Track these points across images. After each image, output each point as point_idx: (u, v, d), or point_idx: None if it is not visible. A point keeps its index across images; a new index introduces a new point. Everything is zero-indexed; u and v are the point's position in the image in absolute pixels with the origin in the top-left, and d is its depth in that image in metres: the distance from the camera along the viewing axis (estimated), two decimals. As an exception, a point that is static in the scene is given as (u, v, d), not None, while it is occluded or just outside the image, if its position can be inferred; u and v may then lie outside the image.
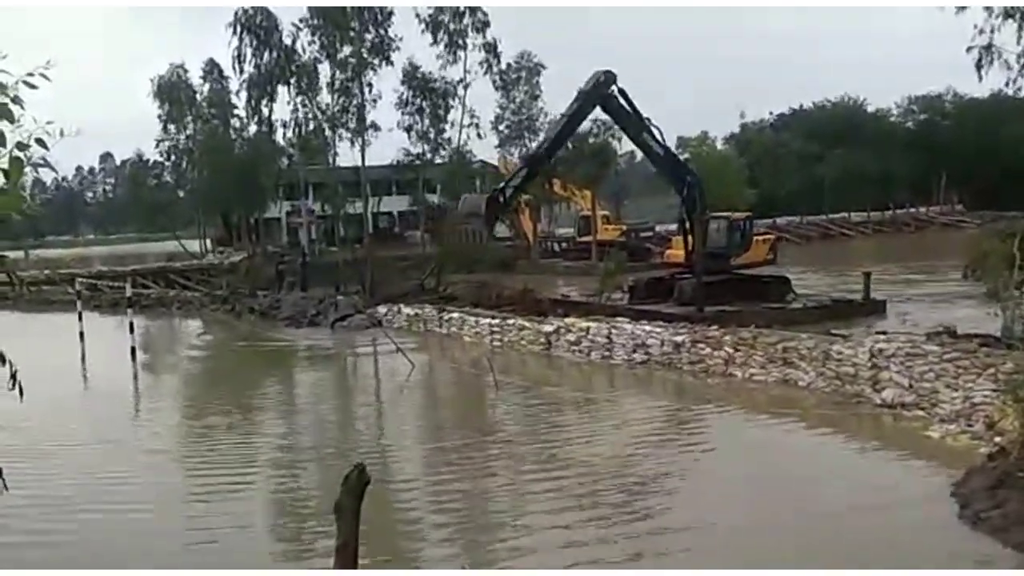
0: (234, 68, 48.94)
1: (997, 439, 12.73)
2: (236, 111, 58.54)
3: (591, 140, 54.80)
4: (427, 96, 45.42)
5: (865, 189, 78.84)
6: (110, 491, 13.03)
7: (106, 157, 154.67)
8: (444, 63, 43.80)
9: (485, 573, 9.61)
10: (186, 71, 61.82)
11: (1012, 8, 21.35)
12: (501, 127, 59.35)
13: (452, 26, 42.97)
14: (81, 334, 26.45)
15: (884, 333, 19.99)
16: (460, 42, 43.05)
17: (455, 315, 28.60)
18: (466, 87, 44.26)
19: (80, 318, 26.91)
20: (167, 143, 63.85)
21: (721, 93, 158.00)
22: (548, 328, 24.35)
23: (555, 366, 22.85)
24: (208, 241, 68.59)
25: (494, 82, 48.78)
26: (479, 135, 47.57)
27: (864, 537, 10.29)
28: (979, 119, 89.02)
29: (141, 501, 12.51)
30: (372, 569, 9.48)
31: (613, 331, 22.64)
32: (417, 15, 42.76)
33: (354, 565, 5.79)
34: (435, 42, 43.08)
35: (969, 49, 23.09)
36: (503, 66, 48.40)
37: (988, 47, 22.71)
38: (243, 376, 24.99)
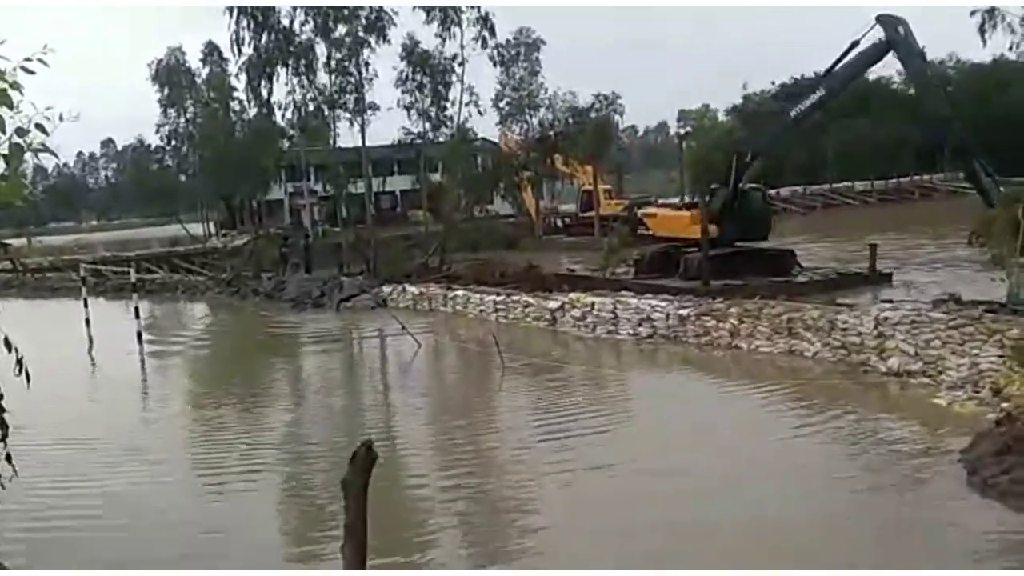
0: (233, 51, 48.76)
1: (1004, 405, 12.76)
2: (236, 94, 58.44)
3: (592, 115, 54.66)
4: (427, 72, 45.28)
5: (869, 158, 78.45)
6: (119, 475, 13.09)
7: (108, 143, 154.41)
8: (441, 40, 43.66)
9: (485, 573, 9.62)
10: (184, 54, 61.74)
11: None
12: (501, 104, 59.18)
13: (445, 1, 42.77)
14: (87, 320, 26.50)
15: (890, 302, 20.01)
16: (454, 17, 42.85)
17: (460, 293, 28.60)
18: (463, 63, 44.10)
19: (85, 304, 26.94)
20: (167, 127, 63.90)
21: (723, 64, 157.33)
22: (553, 304, 24.34)
23: (560, 342, 22.86)
24: (211, 225, 68.60)
25: (491, 58, 48.61)
26: (480, 112, 47.47)
27: (874, 504, 10.31)
28: (981, 85, 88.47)
29: (152, 490, 12.54)
30: (381, 569, 9.57)
31: (618, 306, 22.64)
32: None
33: (363, 543, 5.80)
34: (428, 20, 42.91)
35: (973, 13, 22.85)
36: (501, 42, 48.21)
37: (991, 11, 22.49)
38: (249, 359, 25.05)
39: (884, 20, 27.17)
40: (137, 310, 26.04)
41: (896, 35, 27.28)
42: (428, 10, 42.70)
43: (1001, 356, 14.10)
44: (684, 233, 28.71)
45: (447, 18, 43.24)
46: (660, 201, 45.70)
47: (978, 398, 13.87)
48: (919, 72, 28.48)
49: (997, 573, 8.59)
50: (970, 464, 11.05)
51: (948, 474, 10.98)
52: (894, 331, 16.64)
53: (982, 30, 22.23)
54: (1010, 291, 18.71)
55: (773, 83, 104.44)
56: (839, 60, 28.05)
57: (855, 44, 27.29)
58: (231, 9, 45.73)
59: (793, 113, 29.37)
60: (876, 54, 27.83)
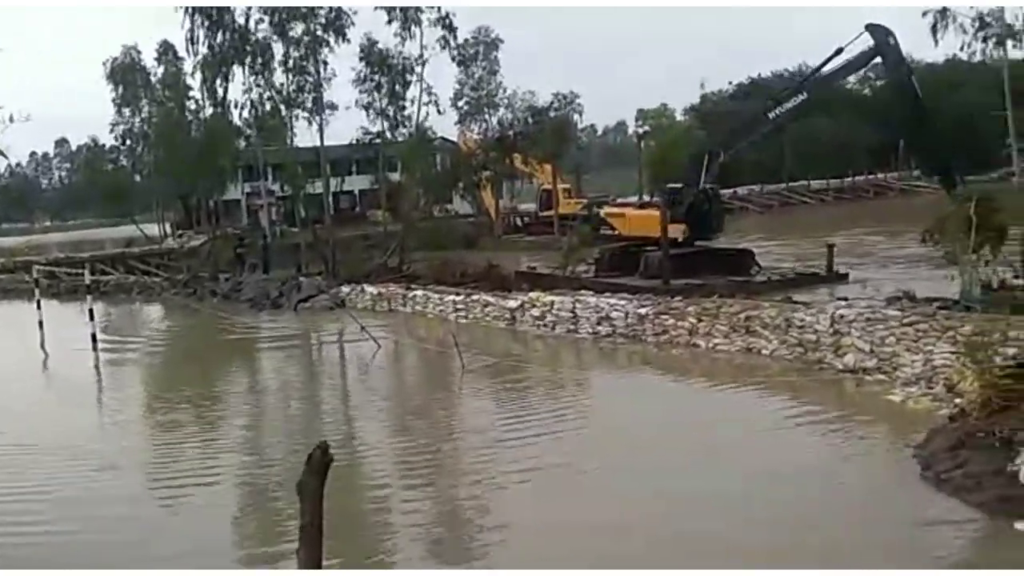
0: (187, 49, 48.30)
1: (957, 401, 12.92)
2: (191, 92, 57.86)
3: (552, 114, 54.74)
4: (385, 72, 45.10)
5: (825, 157, 79.29)
6: (70, 481, 12.89)
7: (62, 142, 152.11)
8: (401, 40, 43.49)
9: (485, 573, 9.59)
10: (139, 53, 61.04)
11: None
12: (460, 103, 59.10)
13: (405, 2, 42.60)
14: (40, 322, 26.09)
15: (845, 299, 20.19)
16: (415, 17, 42.69)
17: (419, 293, 28.51)
18: (423, 63, 43.99)
19: (38, 306, 26.52)
20: (122, 127, 63.16)
21: (681, 66, 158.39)
22: (512, 303, 24.34)
23: (520, 341, 22.86)
24: (167, 225, 67.83)
25: (453, 57, 48.52)
26: (439, 111, 47.35)
27: (829, 500, 10.40)
28: (935, 85, 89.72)
29: (106, 494, 12.37)
30: (382, 569, 9.52)
31: (577, 305, 22.67)
32: None
33: (319, 545, 5.76)
34: (390, 20, 42.73)
35: (925, 13, 23.19)
36: (460, 41, 48.10)
37: (943, 11, 22.83)
38: (206, 361, 24.76)
39: (874, 29, 27.53)
40: (91, 312, 25.64)
41: (886, 44, 27.70)
42: (389, 10, 42.50)
43: (954, 353, 14.27)
44: (655, 233, 28.22)
45: (407, 18, 43.06)
46: (619, 200, 45.89)
47: (932, 394, 14.04)
48: (903, 81, 29.11)
49: (996, 573, 8.69)
50: (924, 459, 11.18)
51: (902, 469, 11.10)
52: (850, 328, 16.81)
53: (934, 30, 22.82)
54: (963, 288, 18.96)
55: (730, 83, 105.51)
56: (822, 65, 28.50)
57: (840, 50, 27.65)
58: (186, 8, 45.32)
59: (772, 115, 29.45)
60: (863, 61, 28.44)
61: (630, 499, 10.77)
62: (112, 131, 64.22)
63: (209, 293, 36.90)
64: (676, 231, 28.46)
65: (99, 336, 24.59)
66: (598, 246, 31.55)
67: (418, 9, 42.77)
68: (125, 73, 61.02)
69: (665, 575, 8.52)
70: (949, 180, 27.47)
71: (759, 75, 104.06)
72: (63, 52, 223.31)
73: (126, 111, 62.44)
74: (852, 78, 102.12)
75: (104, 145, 70.26)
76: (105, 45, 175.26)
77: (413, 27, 43.15)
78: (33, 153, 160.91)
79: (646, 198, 49.40)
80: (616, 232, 30.83)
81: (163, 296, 39.14)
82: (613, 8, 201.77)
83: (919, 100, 28.20)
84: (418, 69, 44.26)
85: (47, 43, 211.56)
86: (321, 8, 41.17)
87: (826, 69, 28.76)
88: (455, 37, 45.95)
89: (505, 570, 9.35)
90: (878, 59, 28.22)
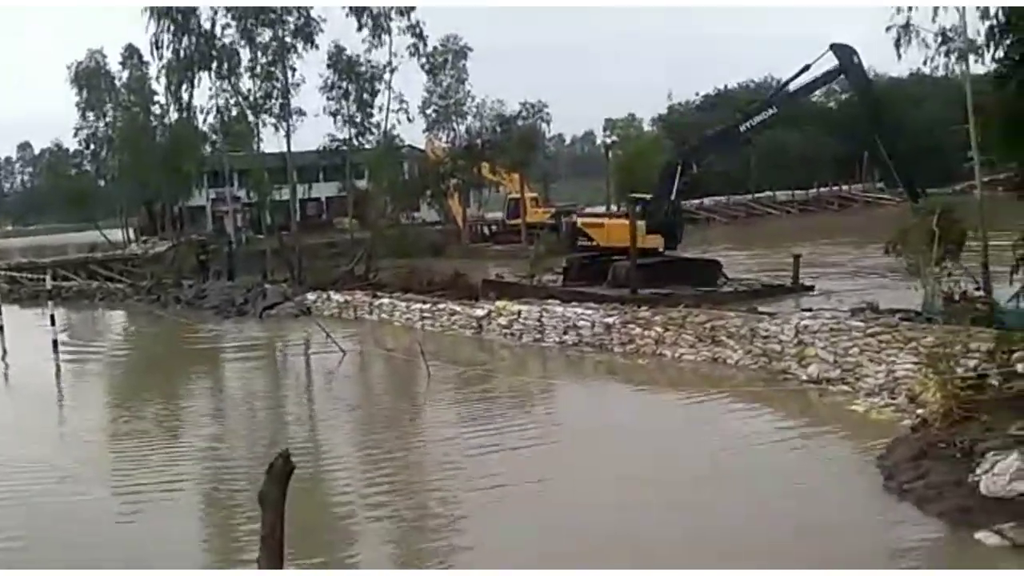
0: (152, 53, 47.77)
1: (919, 411, 13.05)
2: (156, 97, 57.31)
3: (519, 123, 54.72)
4: (353, 79, 44.87)
5: (790, 169, 79.93)
6: (32, 490, 12.68)
7: (24, 146, 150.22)
8: (370, 47, 43.27)
9: (484, 573, 9.53)
10: (104, 57, 60.40)
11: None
12: (428, 111, 58.95)
13: (376, 9, 42.38)
14: (0, 328, 25.72)
15: (809, 310, 20.33)
16: (385, 25, 42.51)
17: (386, 301, 28.40)
18: (392, 71, 43.82)
19: (-1, 311, 26.17)
20: (86, 131, 62.44)
21: (648, 77, 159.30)
22: (479, 312, 24.31)
23: (487, 350, 22.83)
24: (131, 231, 67.05)
25: (422, 66, 48.35)
26: (408, 119, 47.16)
27: (790, 509, 10.44)
28: (899, 98, 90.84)
29: (67, 505, 12.17)
30: (389, 570, 9.43)
31: (544, 314, 22.67)
32: None
33: (280, 555, 5.70)
34: (360, 26, 42.54)
35: (888, 28, 23.46)
36: (429, 50, 47.94)
37: (906, 26, 23.11)
38: (169, 369, 24.50)
39: (839, 49, 28.48)
40: (53, 318, 25.31)
41: (851, 63, 28.71)
42: (360, 15, 42.27)
43: (917, 363, 14.39)
44: (639, 243, 28.12)
45: (377, 26, 42.85)
46: (587, 210, 45.91)
47: (894, 405, 14.16)
48: (868, 97, 30.84)
49: (995, 573, 8.75)
50: (886, 469, 11.27)
51: (865, 479, 11.18)
52: (814, 339, 16.94)
53: (897, 45, 22.96)
54: (925, 300, 19.14)
55: (697, 94, 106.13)
56: (790, 81, 29.67)
57: (807, 67, 28.47)
58: (151, 9, 44.82)
59: (743, 128, 30.33)
60: (828, 78, 29.68)
61: (592, 511, 10.76)
62: (76, 135, 63.47)
63: (173, 300, 36.55)
64: (655, 241, 28.97)
65: (61, 342, 24.29)
66: (566, 255, 31.54)
67: (388, 17, 42.57)
68: (90, 77, 60.33)
69: (665, 575, 8.52)
70: (913, 192, 27.97)
71: (725, 86, 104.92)
72: (26, 55, 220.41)
73: (90, 115, 61.71)
74: (818, 91, 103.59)
75: (68, 149, 69.45)
76: (70, 48, 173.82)
77: (383, 35, 42.90)
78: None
79: (614, 208, 49.40)
80: (595, 243, 30.56)
81: (126, 302, 38.72)
82: (581, 18, 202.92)
83: (881, 115, 28.87)
84: (387, 76, 44.02)
85: (9, 46, 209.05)
86: (290, 15, 40.88)
87: (793, 85, 29.63)
88: (425, 45, 45.79)
89: (505, 570, 9.33)
90: (842, 76, 29.22)
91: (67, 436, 16.93)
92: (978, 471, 10.19)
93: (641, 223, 28.71)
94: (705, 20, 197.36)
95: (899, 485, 10.71)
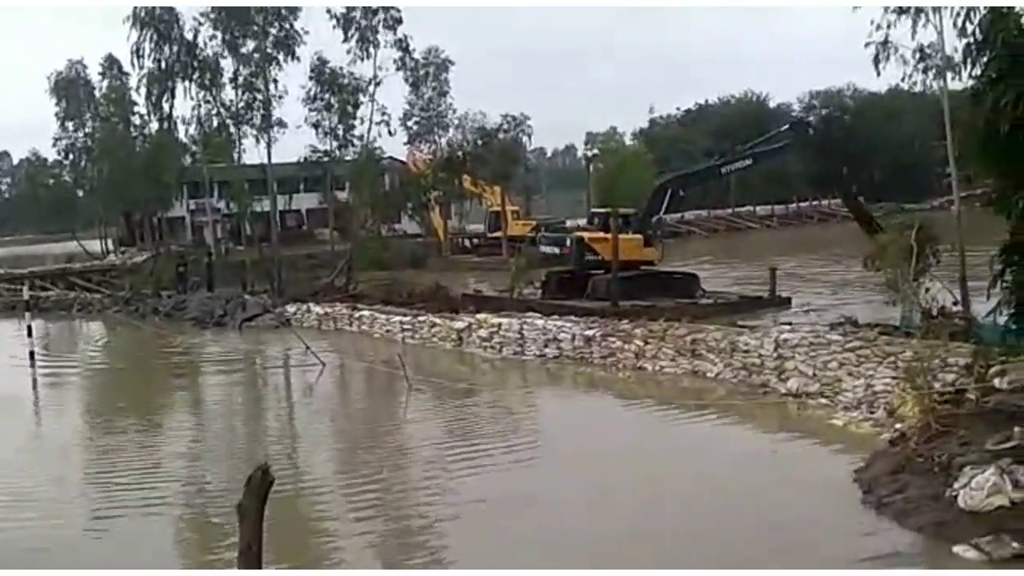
0: (133, 63, 47.54)
1: (898, 425, 13.08)
2: (137, 108, 57.09)
3: (501, 136, 54.80)
4: (336, 92, 44.78)
5: (770, 183, 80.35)
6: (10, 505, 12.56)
7: (2, 156, 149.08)
8: (354, 59, 43.18)
9: (485, 573, 9.49)
10: (85, 67, 60.20)
11: (904, 6, 21.91)
12: (410, 123, 58.99)
13: (363, 22, 42.30)
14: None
15: (789, 324, 20.40)
16: (371, 38, 42.43)
17: (366, 313, 28.34)
18: (377, 84, 43.75)
19: (-26, 323, 25.96)
20: (65, 141, 62.14)
21: (630, 89, 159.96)
22: (460, 324, 24.29)
23: (467, 362, 22.80)
24: (109, 241, 66.69)
25: (407, 79, 48.34)
26: (390, 132, 47.09)
27: (771, 524, 10.45)
28: (878, 114, 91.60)
29: (43, 517, 12.03)
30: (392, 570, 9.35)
31: (525, 326, 22.67)
32: (329, 11, 42.02)
33: (258, 567, 5.66)
34: (347, 38, 42.45)
35: (867, 44, 23.62)
36: (412, 63, 47.88)
37: (885, 42, 23.25)
38: (147, 381, 24.34)
39: (796, 125, 36.64)
40: (30, 329, 25.15)
41: (804, 135, 35.30)
42: (346, 29, 42.16)
43: (895, 378, 14.47)
44: (637, 256, 29.55)
45: (364, 38, 42.76)
46: (568, 223, 46.04)
47: (873, 419, 14.22)
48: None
49: (995, 573, 8.77)
50: (865, 483, 11.30)
51: (843, 493, 11.20)
52: (793, 353, 17.00)
53: (876, 61, 23.10)
54: (903, 314, 19.26)
55: (678, 108, 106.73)
56: (761, 142, 34.38)
57: (773, 135, 34.65)
58: (134, 13, 44.55)
59: (724, 170, 34.91)
60: (784, 144, 34.02)
61: (574, 529, 10.75)
62: (55, 145, 63.20)
63: (151, 311, 36.34)
64: (652, 255, 30.49)
65: (37, 354, 24.10)
66: (546, 268, 31.55)
67: (375, 30, 42.48)
68: (69, 87, 60.11)
69: (665, 575, 8.51)
70: (871, 228, 29.06)
71: (706, 100, 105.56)
72: (4, 63, 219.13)
73: (70, 125, 61.45)
74: (797, 106, 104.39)
75: (46, 159, 69.08)
76: (50, 57, 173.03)
77: (370, 48, 42.79)
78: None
79: (582, 222, 49.57)
80: (600, 258, 30.36)
81: (104, 313, 38.45)
82: (562, 29, 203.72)
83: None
84: (371, 89, 43.92)
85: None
86: (272, 27, 40.79)
87: (762, 145, 34.13)
88: (411, 59, 45.76)
89: (505, 570, 9.30)
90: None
91: (44, 450, 16.72)
92: (956, 485, 10.22)
93: (639, 237, 30.17)
94: (687, 36, 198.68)
95: (877, 499, 10.74)
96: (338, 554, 10.68)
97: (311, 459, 14.97)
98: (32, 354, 24.39)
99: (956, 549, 9.24)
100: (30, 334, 24.95)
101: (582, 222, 44.02)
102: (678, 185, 33.23)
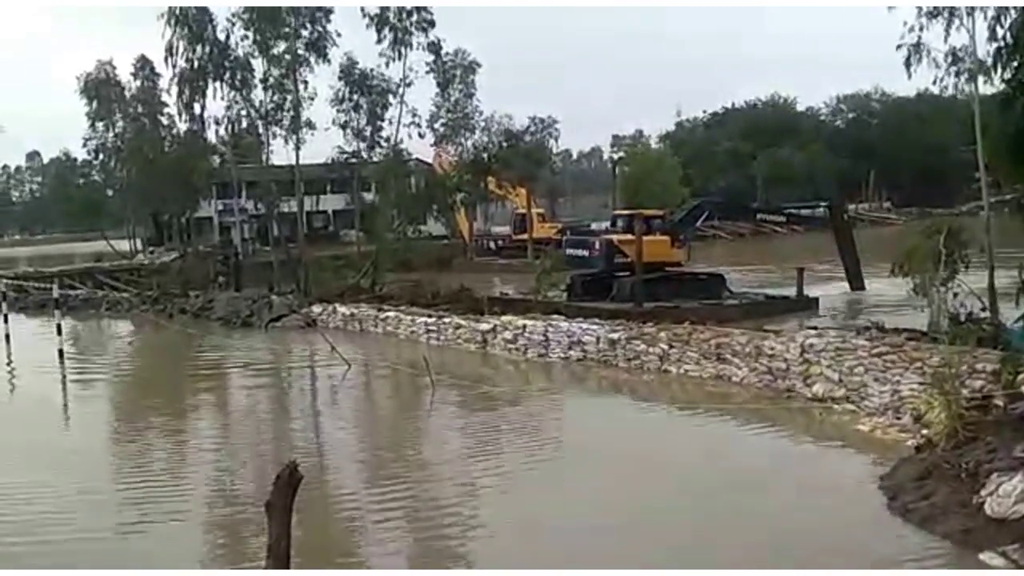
0: (165, 62, 47.89)
1: (924, 431, 13.02)
2: (167, 108, 57.54)
3: (527, 138, 54.87)
4: (365, 92, 44.97)
5: (796, 187, 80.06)
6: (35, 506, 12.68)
7: (33, 155, 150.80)
8: (386, 60, 43.32)
9: (485, 573, 9.51)
10: (114, 68, 60.76)
11: (938, 8, 21.87)
12: (437, 125, 59.11)
13: (397, 23, 42.41)
14: (7, 336, 25.80)
15: (815, 328, 20.33)
16: (404, 39, 42.53)
17: (391, 314, 28.43)
18: (407, 85, 43.88)
19: (5, 320, 26.25)
20: (95, 141, 62.76)
21: (657, 92, 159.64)
22: (484, 326, 24.33)
23: (492, 364, 22.82)
24: (138, 241, 67.32)
25: (438, 82, 48.47)
26: (420, 135, 47.20)
27: (795, 530, 10.42)
28: (905, 118, 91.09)
29: (73, 524, 12.10)
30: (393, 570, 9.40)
31: (549, 329, 22.69)
32: (362, 10, 42.14)
33: (286, 563, 5.72)
34: (379, 40, 42.59)
35: (899, 47, 23.58)
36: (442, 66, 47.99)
37: (917, 45, 23.21)
38: (175, 380, 24.48)
39: (833, 208, 39.34)
40: (59, 327, 25.40)
41: (840, 218, 38.08)
42: (379, 28, 42.24)
43: (922, 383, 14.38)
44: (665, 258, 29.71)
45: (397, 40, 42.87)
46: (593, 226, 46.04)
47: (899, 424, 14.14)
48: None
49: (996, 573, 8.73)
50: (891, 490, 11.25)
51: (869, 500, 11.15)
52: (819, 357, 16.93)
53: (907, 63, 22.93)
54: (931, 319, 19.14)
55: (704, 111, 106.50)
56: (800, 205, 40.54)
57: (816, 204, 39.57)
58: (169, 10, 44.85)
59: (759, 217, 40.84)
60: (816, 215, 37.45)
61: (591, 531, 10.76)
62: (85, 145, 63.87)
63: (179, 310, 36.59)
64: (680, 256, 30.87)
65: (66, 352, 24.34)
66: (569, 271, 31.50)
67: (408, 32, 42.57)
68: (99, 87, 60.67)
69: (665, 575, 8.51)
70: (855, 281, 32.61)
71: (732, 104, 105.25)
72: (37, 64, 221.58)
73: (99, 125, 62.03)
74: (824, 110, 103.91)
75: (76, 159, 69.83)
76: (80, 58, 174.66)
77: (403, 49, 42.89)
78: (5, 166, 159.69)
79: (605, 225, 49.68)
80: (629, 260, 30.25)
81: (132, 312, 38.76)
82: (589, 32, 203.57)
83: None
84: (401, 91, 44.05)
85: (20, 54, 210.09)
86: (304, 29, 41.03)
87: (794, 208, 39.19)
88: (443, 62, 45.90)
89: (505, 570, 9.32)
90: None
91: (75, 451, 16.72)
92: (983, 492, 10.16)
93: (666, 238, 30.30)
94: (714, 39, 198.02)
95: (903, 505, 10.69)
96: (362, 551, 10.74)
97: (335, 456, 15.04)
98: (61, 352, 24.64)
99: (982, 556, 9.19)
100: (59, 332, 25.20)
101: (607, 225, 44.00)
102: (714, 209, 36.15)
